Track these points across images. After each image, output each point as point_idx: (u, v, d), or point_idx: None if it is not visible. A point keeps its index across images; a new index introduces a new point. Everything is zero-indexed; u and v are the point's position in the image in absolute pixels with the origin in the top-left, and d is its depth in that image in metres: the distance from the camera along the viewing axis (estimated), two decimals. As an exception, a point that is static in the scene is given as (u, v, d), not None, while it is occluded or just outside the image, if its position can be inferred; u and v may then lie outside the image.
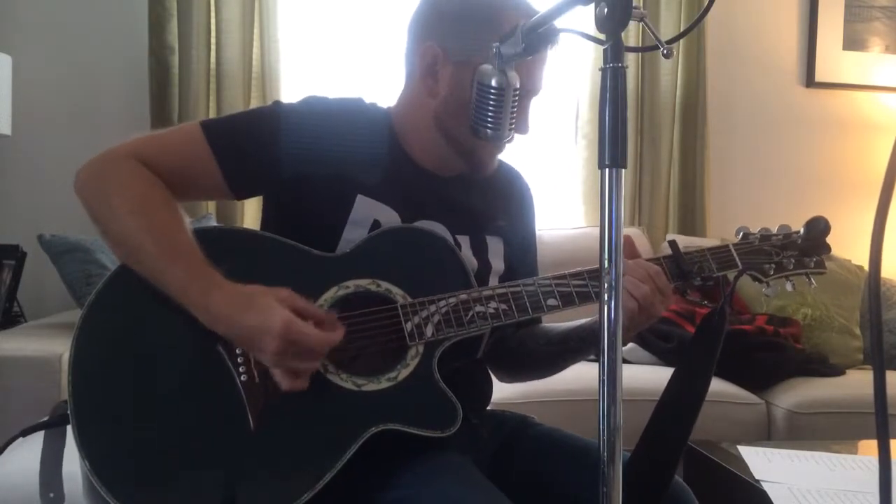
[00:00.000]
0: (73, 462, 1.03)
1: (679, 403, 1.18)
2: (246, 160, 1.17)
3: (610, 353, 0.85)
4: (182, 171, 1.15)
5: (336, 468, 1.03)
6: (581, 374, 2.13)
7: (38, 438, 1.58)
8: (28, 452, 1.49)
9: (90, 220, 1.13)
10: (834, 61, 3.45)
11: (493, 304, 1.15)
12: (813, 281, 1.30)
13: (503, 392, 1.72)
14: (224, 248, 1.12)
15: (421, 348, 1.12)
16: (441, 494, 1.04)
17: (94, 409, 1.04)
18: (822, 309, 2.88)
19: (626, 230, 2.97)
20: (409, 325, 1.12)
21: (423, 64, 1.23)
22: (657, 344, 2.65)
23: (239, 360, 1.06)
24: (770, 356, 2.63)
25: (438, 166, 1.28)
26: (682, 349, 2.61)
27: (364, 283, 1.14)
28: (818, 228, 1.29)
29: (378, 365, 1.11)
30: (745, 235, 1.28)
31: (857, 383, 2.60)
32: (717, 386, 2.50)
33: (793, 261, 1.27)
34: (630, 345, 2.65)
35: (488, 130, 1.17)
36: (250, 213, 2.95)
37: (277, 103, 1.24)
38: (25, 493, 1.35)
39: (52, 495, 1.09)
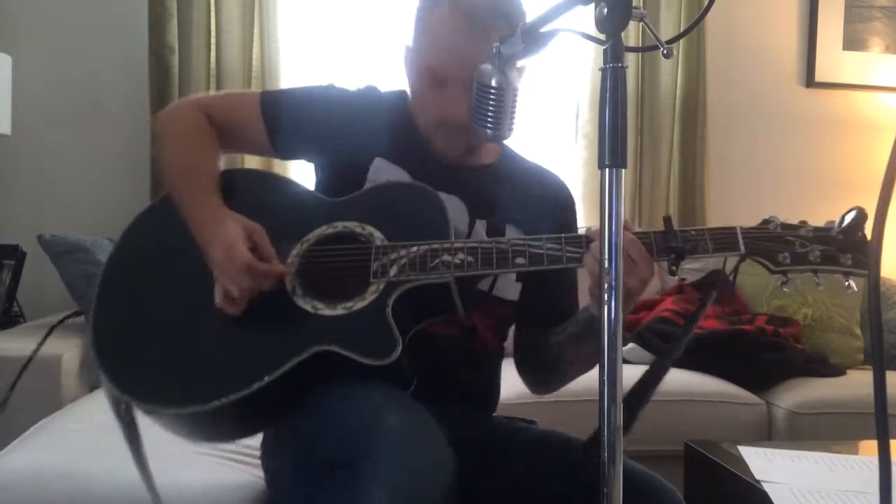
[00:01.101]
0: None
1: (643, 388, 1.23)
2: (287, 129, 1.35)
3: (610, 353, 0.85)
4: (234, 127, 1.37)
5: (273, 376, 1.12)
6: (583, 375, 2.13)
7: (49, 437, 1.58)
8: (30, 453, 1.49)
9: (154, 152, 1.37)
10: (834, 61, 3.45)
11: (460, 256, 1.17)
12: (853, 284, 1.13)
13: (504, 392, 1.72)
14: (246, 184, 1.34)
15: (382, 286, 1.18)
16: (342, 390, 1.11)
17: (108, 298, 1.26)
18: (822, 309, 2.88)
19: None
20: (375, 265, 1.19)
21: (405, 63, 1.37)
22: (657, 344, 2.65)
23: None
24: (770, 356, 2.64)
25: (449, 154, 1.35)
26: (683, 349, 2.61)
27: (351, 225, 1.25)
28: (855, 219, 1.12)
29: (341, 295, 1.18)
30: (767, 222, 1.16)
31: (857, 383, 2.60)
32: (717, 386, 2.50)
33: (819, 255, 1.12)
34: (630, 345, 2.65)
35: (488, 130, 1.18)
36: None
37: (331, 86, 1.41)
38: (32, 489, 1.35)
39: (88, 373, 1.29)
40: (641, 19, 0.89)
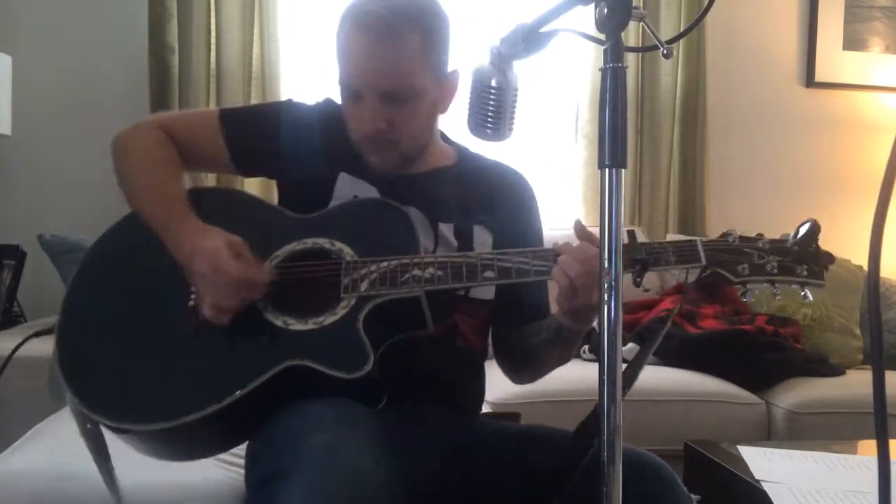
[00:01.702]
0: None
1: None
2: (248, 146, 1.36)
3: (610, 353, 0.85)
4: (195, 146, 1.36)
5: (244, 391, 1.13)
6: (581, 374, 2.14)
7: (48, 440, 1.58)
8: (30, 455, 1.49)
9: (115, 174, 1.34)
10: (834, 61, 3.45)
11: (429, 270, 1.18)
12: (808, 294, 1.19)
13: (504, 392, 1.72)
14: (214, 201, 1.33)
15: (352, 301, 1.19)
16: (292, 406, 1.11)
17: (75, 316, 1.25)
18: (822, 309, 2.88)
19: (626, 230, 2.96)
20: (346, 280, 1.20)
21: None
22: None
23: (193, 287, 1.22)
24: (770, 356, 2.63)
25: (378, 167, 1.34)
26: (683, 349, 2.62)
27: (321, 241, 1.26)
28: (807, 231, 1.19)
29: (312, 310, 1.19)
30: (725, 235, 1.21)
31: (857, 383, 2.60)
32: (717, 386, 2.50)
33: (776, 266, 1.17)
34: (630, 345, 2.65)
35: (488, 130, 1.18)
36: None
37: (290, 101, 1.42)
38: (33, 490, 1.35)
39: (57, 389, 1.24)
40: (641, 19, 0.89)
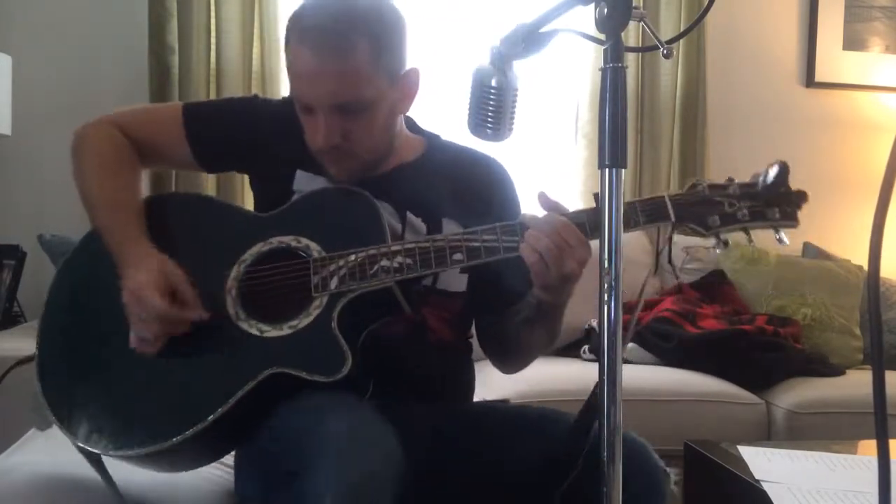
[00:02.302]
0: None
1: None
2: (211, 141, 1.34)
3: (610, 353, 0.85)
4: (155, 143, 1.35)
5: (227, 405, 1.12)
6: (581, 374, 2.14)
7: (47, 440, 1.58)
8: (30, 456, 1.49)
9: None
10: (834, 61, 3.45)
11: (398, 259, 1.17)
12: (783, 236, 1.14)
13: (502, 391, 1.72)
14: (175, 210, 1.32)
15: (325, 300, 1.17)
16: (290, 403, 1.12)
17: (51, 339, 1.26)
18: (822, 309, 2.88)
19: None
20: (316, 279, 1.18)
21: None
22: (657, 344, 2.65)
23: None
24: (770, 356, 2.63)
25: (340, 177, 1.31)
26: (683, 349, 2.61)
27: (287, 239, 1.23)
28: (776, 172, 1.14)
29: (285, 314, 1.18)
30: (694, 185, 1.16)
31: (857, 383, 2.60)
32: (717, 386, 2.50)
33: (748, 212, 1.13)
34: (630, 345, 2.65)
35: (488, 130, 1.17)
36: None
37: (256, 96, 1.42)
38: (33, 492, 1.35)
39: (40, 416, 1.24)
40: (641, 19, 0.89)
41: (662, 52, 0.93)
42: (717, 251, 1.16)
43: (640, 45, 3.12)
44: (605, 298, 0.85)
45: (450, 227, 1.31)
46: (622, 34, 0.85)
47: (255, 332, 1.18)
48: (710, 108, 3.30)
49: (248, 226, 1.27)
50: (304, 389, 1.12)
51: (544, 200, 1.17)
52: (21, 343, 2.12)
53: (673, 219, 1.13)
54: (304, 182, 1.31)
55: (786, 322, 2.80)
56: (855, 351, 2.90)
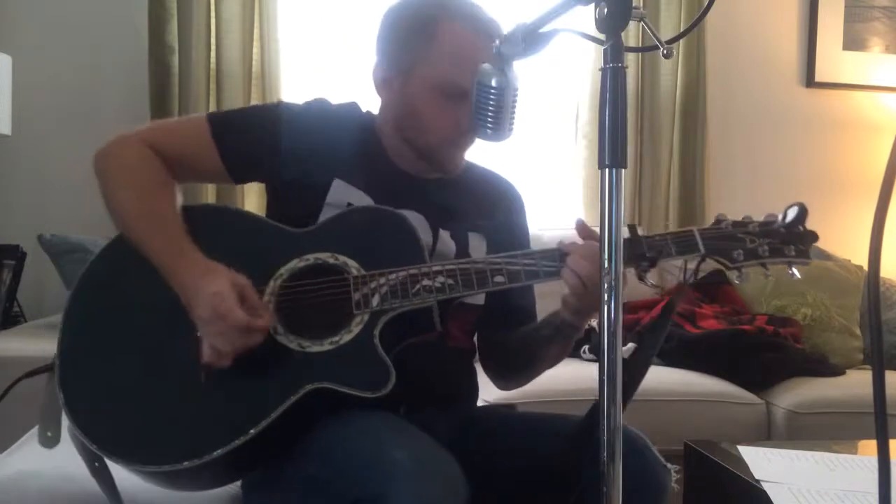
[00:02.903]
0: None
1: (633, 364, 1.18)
2: (243, 150, 1.31)
3: (610, 353, 0.85)
4: (185, 157, 1.30)
5: (269, 419, 1.12)
6: (581, 374, 2.14)
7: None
8: (31, 456, 1.49)
9: (101, 195, 1.27)
10: (834, 61, 3.45)
11: (439, 279, 1.18)
12: (796, 272, 1.23)
13: (499, 393, 1.72)
14: (208, 222, 1.27)
15: (366, 317, 1.18)
16: (341, 421, 1.12)
17: (75, 352, 1.20)
18: (821, 309, 2.88)
19: (626, 230, 2.97)
20: (357, 296, 1.18)
21: (378, 79, 1.35)
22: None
23: None
24: (770, 356, 2.63)
25: (414, 170, 1.35)
26: (683, 349, 2.62)
27: (324, 255, 1.23)
28: (795, 214, 1.24)
29: (325, 330, 1.18)
30: (718, 221, 1.24)
31: (857, 383, 2.60)
32: (717, 386, 2.50)
33: (767, 249, 1.21)
34: (630, 345, 2.65)
35: (488, 130, 1.18)
36: (251, 200, 2.95)
37: (280, 102, 1.37)
38: (38, 489, 1.35)
39: (49, 434, 1.21)
40: (641, 19, 0.89)
41: (662, 52, 0.93)
42: (737, 282, 1.25)
43: (640, 45, 3.11)
44: (605, 298, 0.85)
45: (475, 241, 1.35)
46: (622, 34, 0.85)
47: (295, 346, 1.17)
48: (710, 108, 3.30)
49: (282, 241, 1.25)
50: (339, 406, 1.12)
51: (582, 228, 1.21)
52: (21, 343, 2.13)
53: (703, 251, 1.20)
54: (340, 193, 1.30)
55: (786, 322, 2.80)
56: (855, 351, 2.90)
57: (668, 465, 1.22)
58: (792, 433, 2.40)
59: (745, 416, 2.44)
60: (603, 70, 0.86)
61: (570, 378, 2.31)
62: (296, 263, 1.23)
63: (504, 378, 1.45)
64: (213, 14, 2.95)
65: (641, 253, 1.19)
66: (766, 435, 2.44)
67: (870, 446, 1.92)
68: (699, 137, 3.27)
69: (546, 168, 3.26)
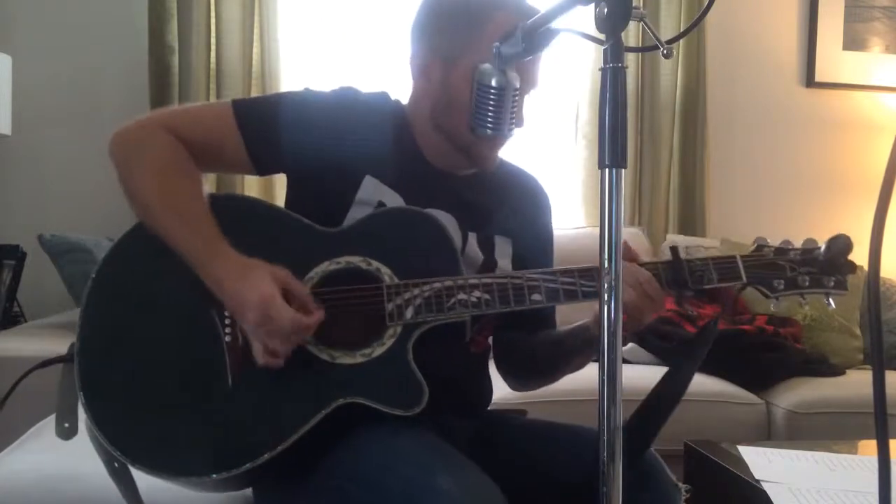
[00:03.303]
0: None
1: (659, 401, 1.21)
2: (270, 140, 1.23)
3: (610, 353, 0.85)
4: (209, 144, 1.23)
5: (299, 433, 1.09)
6: (581, 374, 2.13)
7: (48, 439, 1.58)
8: (31, 455, 1.49)
9: (118, 181, 1.20)
10: (834, 61, 3.45)
11: (476, 293, 1.16)
12: (832, 302, 1.22)
13: (503, 392, 1.72)
14: (232, 215, 1.18)
15: (399, 329, 1.15)
16: (387, 447, 1.08)
17: (94, 351, 1.14)
18: (821, 309, 2.88)
19: (626, 230, 2.97)
20: (390, 306, 1.15)
21: (415, 67, 1.29)
22: (657, 344, 2.65)
23: (227, 321, 1.14)
24: (770, 356, 2.64)
25: (446, 164, 1.31)
26: (683, 349, 2.61)
27: (356, 260, 1.18)
28: (839, 246, 1.21)
29: (357, 341, 1.14)
30: (759, 248, 1.22)
31: (857, 383, 2.60)
32: (717, 386, 2.50)
33: (808, 279, 1.20)
34: (630, 345, 2.65)
35: (488, 130, 1.17)
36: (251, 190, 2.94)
37: (307, 90, 1.30)
38: (35, 491, 1.35)
39: (66, 425, 1.17)
40: (641, 19, 0.88)
41: (662, 52, 0.93)
42: (772, 307, 1.24)
43: (640, 45, 3.12)
44: (605, 298, 0.85)
45: (501, 244, 1.31)
46: (622, 34, 0.85)
47: (325, 357, 1.13)
48: (710, 108, 3.30)
49: (313, 240, 1.20)
50: (369, 418, 1.11)
51: (626, 251, 1.17)
52: (21, 343, 2.13)
53: (745, 280, 1.19)
54: (371, 190, 1.24)
55: (786, 322, 2.80)
56: (855, 351, 2.90)
57: (680, 485, 1.22)
58: (792, 433, 2.40)
59: (745, 416, 2.44)
60: (603, 70, 0.85)
61: (571, 378, 2.30)
62: (326, 266, 1.17)
63: (520, 381, 1.43)
64: (213, 14, 2.95)
65: (684, 281, 1.17)
66: (766, 435, 2.44)
67: (870, 446, 1.92)
68: (699, 137, 3.27)
69: (546, 168, 3.26)
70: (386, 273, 1.17)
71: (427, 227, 1.21)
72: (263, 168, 1.28)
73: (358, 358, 1.13)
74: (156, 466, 1.09)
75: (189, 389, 1.13)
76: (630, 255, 1.18)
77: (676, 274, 1.18)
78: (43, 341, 2.13)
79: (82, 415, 1.14)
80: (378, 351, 1.14)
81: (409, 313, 1.14)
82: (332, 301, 1.15)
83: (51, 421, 1.65)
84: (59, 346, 2.06)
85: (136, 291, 1.18)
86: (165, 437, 1.11)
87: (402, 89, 1.36)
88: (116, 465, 1.13)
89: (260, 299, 1.07)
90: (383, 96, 1.33)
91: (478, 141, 1.25)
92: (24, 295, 2.70)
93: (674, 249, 1.21)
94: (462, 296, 1.15)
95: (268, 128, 1.23)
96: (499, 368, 1.43)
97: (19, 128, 2.76)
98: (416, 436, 1.10)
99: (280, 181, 2.76)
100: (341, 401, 1.10)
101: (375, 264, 1.18)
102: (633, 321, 1.15)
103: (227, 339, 1.13)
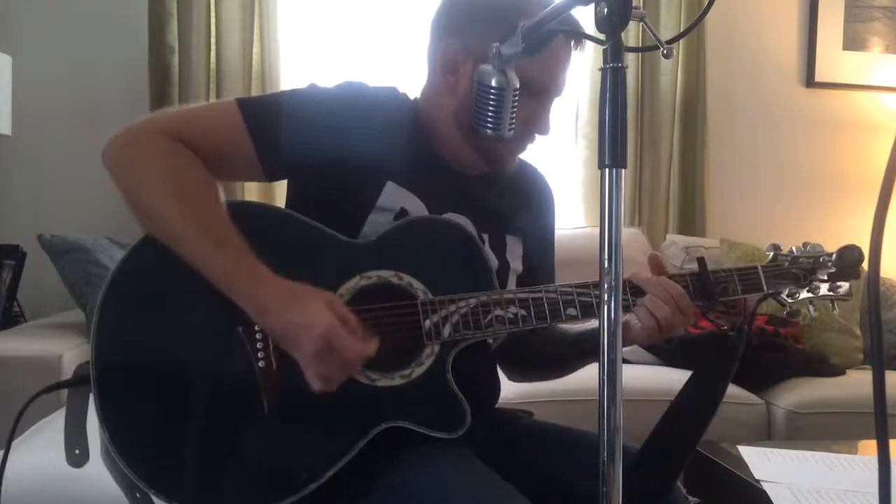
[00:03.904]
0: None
1: (688, 417, 1.23)
2: (281, 141, 1.16)
3: (610, 354, 0.85)
4: (217, 149, 1.14)
5: (343, 461, 1.05)
6: (581, 374, 2.12)
7: (50, 438, 1.58)
8: (31, 454, 1.49)
9: (118, 191, 1.11)
10: (834, 61, 3.45)
11: (512, 309, 1.13)
12: (837, 307, 1.26)
13: (504, 392, 1.72)
14: (251, 225, 1.09)
15: (437, 347, 1.12)
16: (435, 478, 1.04)
17: (114, 379, 1.06)
18: (822, 309, 2.88)
19: (626, 230, 2.97)
20: (427, 324, 1.11)
21: (443, 61, 1.24)
22: (657, 344, 2.65)
23: (258, 345, 1.07)
24: (770, 356, 2.64)
25: (461, 164, 1.28)
26: (683, 349, 2.61)
27: (387, 274, 1.13)
28: (852, 258, 1.22)
29: (393, 360, 1.10)
30: (776, 256, 1.23)
31: (857, 383, 2.60)
32: (717, 386, 2.50)
33: (819, 286, 1.24)
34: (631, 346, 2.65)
35: (488, 130, 1.17)
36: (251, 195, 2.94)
37: (313, 85, 1.24)
38: (35, 491, 1.35)
39: (77, 452, 1.10)
40: (641, 19, 0.88)
41: (662, 52, 0.93)
42: (785, 313, 1.28)
43: (640, 45, 3.12)
44: (605, 298, 0.85)
45: (512, 244, 1.30)
46: (622, 34, 0.85)
47: (364, 380, 1.08)
48: (710, 109, 3.31)
49: (340, 253, 1.14)
50: (410, 441, 1.08)
51: (655, 263, 1.19)
52: (21, 343, 2.13)
53: (766, 290, 1.22)
54: (392, 197, 1.19)
55: (786, 322, 2.80)
56: (855, 351, 2.90)
57: (690, 498, 1.22)
58: (792, 433, 2.40)
59: (745, 416, 2.44)
60: (603, 70, 0.85)
61: (571, 378, 2.31)
62: (357, 282, 1.12)
63: (523, 375, 1.42)
64: (213, 14, 2.95)
65: (713, 293, 1.18)
66: (766, 435, 2.44)
67: (870, 446, 1.92)
68: (699, 137, 3.28)
69: (546, 168, 3.25)
70: (419, 288, 1.13)
71: (456, 237, 1.18)
72: (273, 173, 1.21)
73: (397, 380, 1.10)
74: (190, 501, 1.03)
75: (222, 421, 1.06)
76: (660, 269, 1.18)
77: (705, 287, 1.18)
78: (43, 341, 2.13)
79: (94, 440, 1.09)
80: (417, 371, 1.11)
81: (446, 331, 1.11)
82: (367, 319, 1.09)
83: (51, 420, 1.65)
84: (59, 346, 2.07)
85: (151, 314, 1.09)
86: (199, 470, 1.04)
87: (402, 88, 1.33)
88: (139, 495, 1.07)
89: (322, 331, 1.00)
90: (394, 91, 1.29)
91: (500, 144, 1.21)
92: (24, 295, 2.70)
93: (701, 260, 1.20)
94: (499, 312, 1.13)
95: (279, 129, 1.16)
96: (498, 359, 1.41)
97: (19, 128, 2.76)
98: (463, 460, 1.08)
99: (280, 183, 2.75)
100: (384, 425, 1.07)
101: (407, 279, 1.13)
102: (664, 334, 1.15)
103: (261, 363, 1.06)
